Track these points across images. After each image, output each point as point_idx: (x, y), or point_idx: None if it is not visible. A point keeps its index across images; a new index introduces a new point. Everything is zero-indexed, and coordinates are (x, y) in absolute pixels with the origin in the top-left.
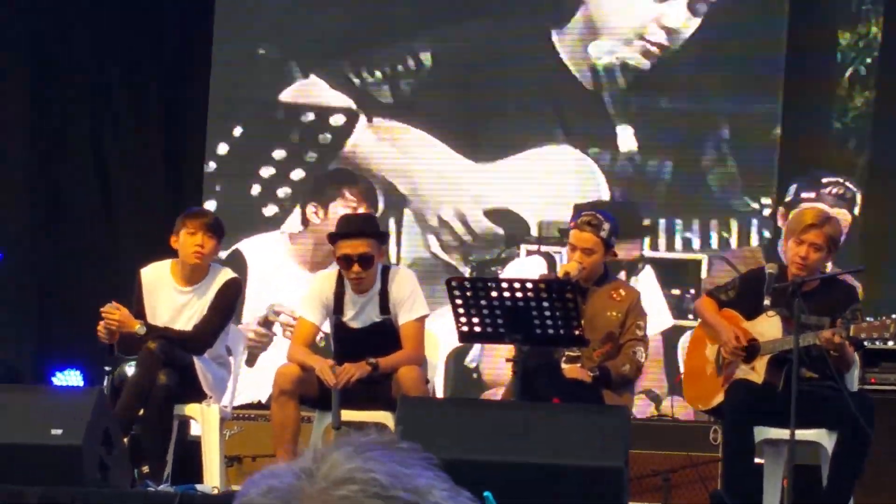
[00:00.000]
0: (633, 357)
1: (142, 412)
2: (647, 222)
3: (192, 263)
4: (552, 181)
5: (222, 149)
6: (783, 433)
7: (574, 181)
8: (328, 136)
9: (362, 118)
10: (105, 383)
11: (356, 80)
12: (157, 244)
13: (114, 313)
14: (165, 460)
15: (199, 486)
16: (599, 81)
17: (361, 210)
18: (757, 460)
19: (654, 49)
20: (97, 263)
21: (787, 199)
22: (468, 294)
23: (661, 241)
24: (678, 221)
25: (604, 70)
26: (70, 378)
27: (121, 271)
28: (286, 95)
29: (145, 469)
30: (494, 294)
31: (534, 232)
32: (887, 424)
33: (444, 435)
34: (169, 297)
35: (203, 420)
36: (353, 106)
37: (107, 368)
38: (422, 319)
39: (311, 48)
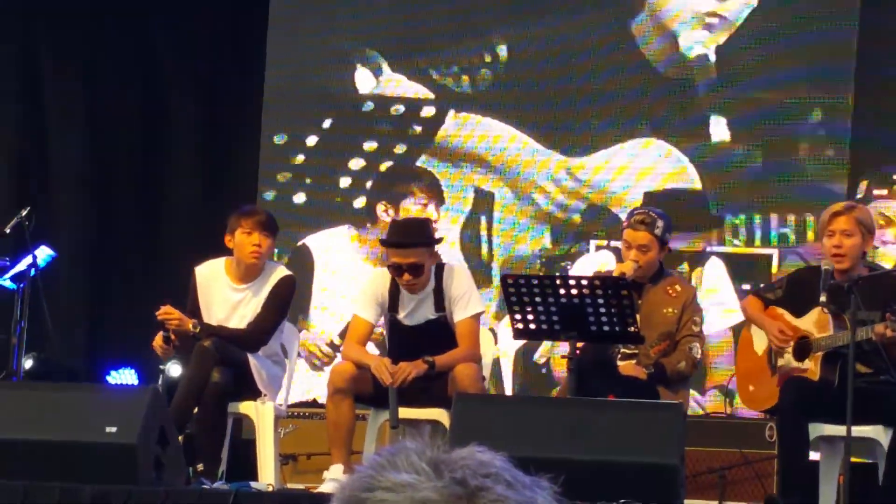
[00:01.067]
0: (689, 353)
1: (196, 410)
2: (727, 215)
3: (249, 263)
4: (641, 174)
5: (311, 140)
6: (839, 430)
7: (664, 174)
8: (418, 127)
9: (434, 112)
10: (160, 381)
11: (434, 74)
12: (210, 242)
13: (172, 313)
14: (220, 458)
15: (253, 484)
16: (686, 70)
17: (432, 207)
18: (813, 457)
19: (723, 37)
20: (150, 261)
21: (859, 196)
22: (523, 291)
23: (742, 234)
24: (757, 216)
25: (691, 59)
26: (125, 376)
27: (174, 269)
28: (368, 88)
29: (200, 467)
30: (549, 291)
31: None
32: None
33: (500, 432)
34: (224, 295)
35: (258, 418)
36: (433, 98)
37: (161, 367)
38: (477, 317)
39: (387, 42)
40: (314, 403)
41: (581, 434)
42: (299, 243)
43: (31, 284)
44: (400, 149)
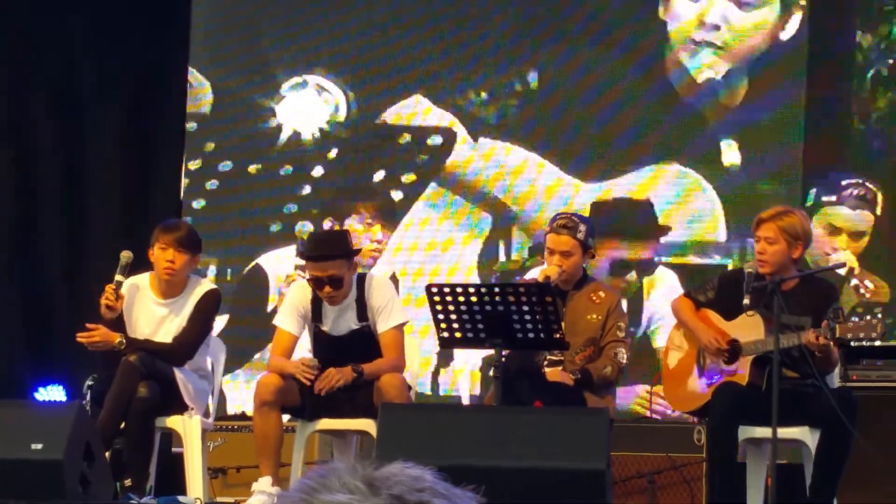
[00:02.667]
0: (614, 358)
1: (123, 425)
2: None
3: (163, 279)
4: (663, 200)
5: (317, 171)
6: (766, 432)
7: (685, 199)
8: (425, 157)
9: (462, 138)
10: (87, 397)
11: (461, 101)
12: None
13: (93, 335)
14: (148, 473)
15: (181, 498)
16: (700, 97)
17: (378, 227)
18: (739, 460)
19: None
20: (76, 277)
21: (809, 203)
22: (448, 299)
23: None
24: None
25: (702, 84)
26: (53, 393)
27: (100, 285)
28: (387, 116)
29: (127, 482)
30: (474, 299)
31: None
32: (869, 421)
33: (426, 441)
34: (148, 310)
35: (185, 432)
36: (457, 125)
37: (89, 383)
38: (400, 327)
39: (414, 68)
40: (242, 416)
41: (507, 441)
42: (252, 264)
43: None
44: (409, 177)
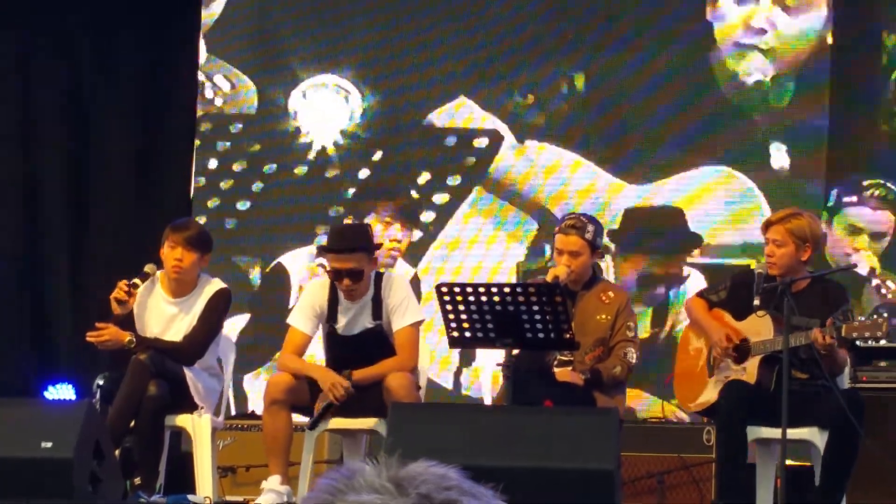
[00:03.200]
0: (623, 358)
1: (133, 424)
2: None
3: (172, 278)
4: (709, 203)
5: (363, 173)
6: (775, 432)
7: (732, 202)
8: (472, 158)
9: (508, 141)
10: (96, 396)
11: (508, 103)
12: (146, 255)
13: (102, 334)
14: (157, 471)
15: (191, 497)
16: (748, 100)
17: (397, 226)
18: (749, 461)
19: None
20: (87, 276)
21: (830, 204)
22: (458, 299)
23: None
24: None
25: (750, 88)
26: (63, 392)
27: (110, 283)
28: (432, 118)
29: (137, 481)
30: (484, 299)
31: (695, 253)
32: (878, 422)
33: (435, 441)
34: (158, 309)
35: (194, 431)
36: (503, 128)
37: (99, 382)
38: (415, 325)
39: (459, 70)
40: (252, 415)
41: (517, 441)
42: (274, 262)
43: None
44: (455, 179)
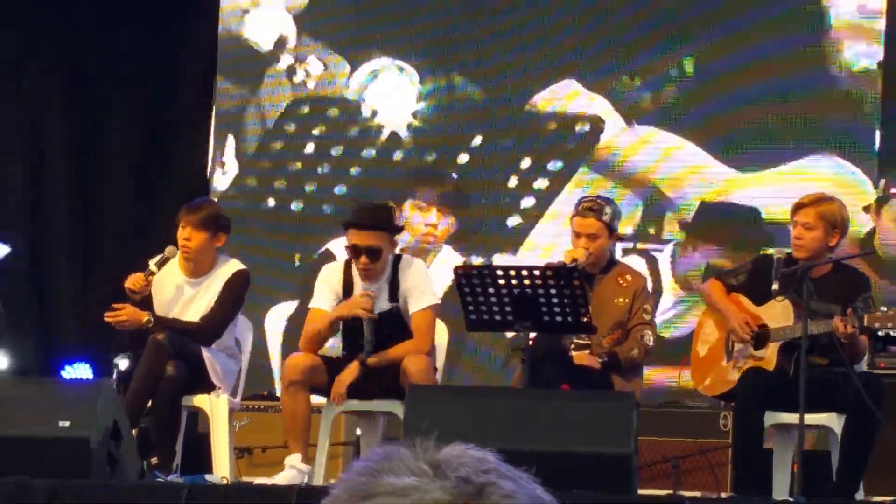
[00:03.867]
0: (641, 341)
1: (150, 404)
2: None
3: (182, 258)
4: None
5: (462, 159)
6: (793, 417)
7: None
8: (571, 144)
9: (613, 124)
10: (113, 375)
11: (616, 85)
12: (163, 235)
13: (120, 314)
14: (174, 451)
15: (208, 477)
16: (857, 85)
17: (434, 212)
18: (766, 446)
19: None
20: (103, 257)
21: (878, 193)
22: (475, 282)
23: None
24: None
25: (860, 73)
26: (80, 371)
27: (127, 264)
28: (535, 101)
29: (154, 460)
30: (502, 282)
31: None
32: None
33: (453, 423)
34: (177, 290)
35: (212, 411)
36: (611, 110)
37: (115, 361)
38: (432, 308)
39: (567, 52)
40: (269, 396)
41: (534, 424)
42: (322, 249)
43: None
44: (555, 165)
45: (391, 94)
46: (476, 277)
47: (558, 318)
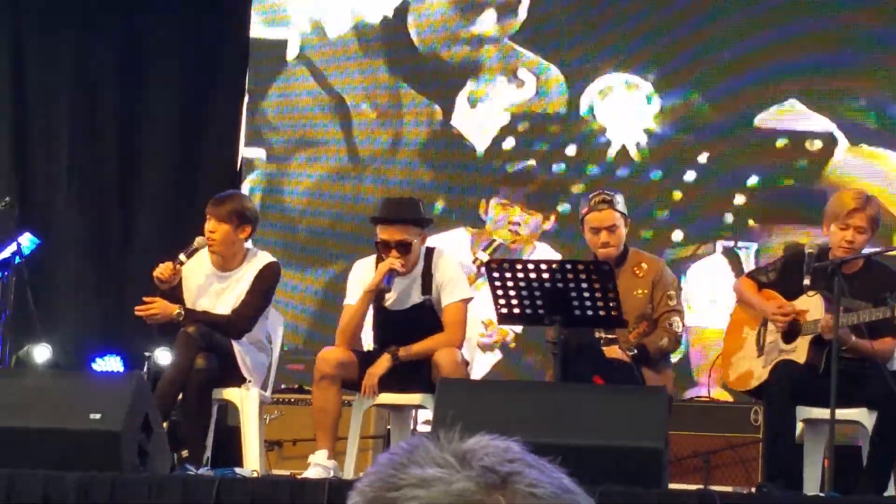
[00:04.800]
0: (669, 329)
1: (181, 397)
2: None
3: (209, 251)
4: None
5: (689, 176)
6: (824, 413)
7: None
8: (804, 161)
9: (842, 143)
10: (145, 368)
11: (838, 106)
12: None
13: (151, 308)
14: (205, 445)
15: (238, 470)
16: None
17: (516, 209)
18: (797, 441)
19: None
20: (136, 249)
21: None
22: (507, 276)
23: None
24: None
25: None
26: (111, 364)
27: (159, 256)
28: (760, 120)
29: (185, 454)
30: (533, 276)
31: None
32: None
33: (483, 417)
34: (208, 282)
35: (242, 404)
36: (834, 130)
37: (146, 354)
38: (465, 301)
39: (788, 71)
40: (300, 390)
41: (564, 418)
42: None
43: (15, 272)
44: (788, 180)
45: (620, 111)
46: (508, 271)
47: (589, 313)
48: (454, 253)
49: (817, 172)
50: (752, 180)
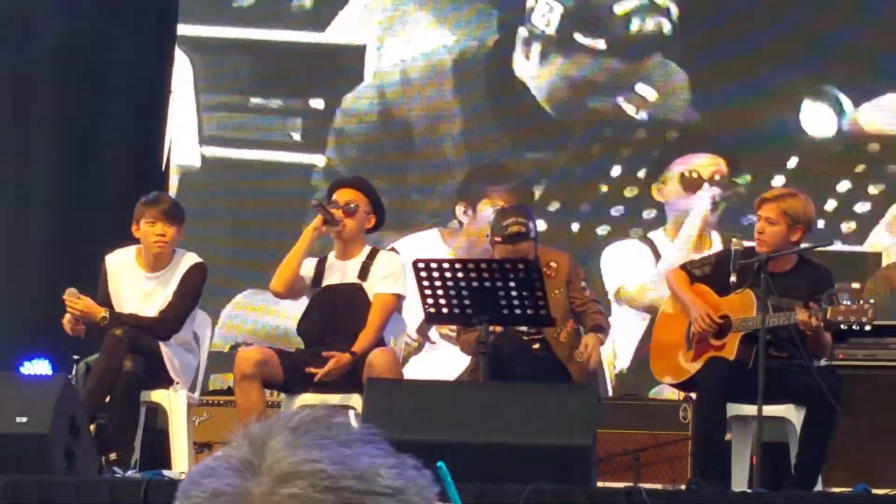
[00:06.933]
0: (601, 314)
1: (108, 399)
2: None
3: (154, 253)
4: None
5: (778, 181)
6: (752, 409)
7: None
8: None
9: None
10: (73, 372)
11: None
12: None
13: (76, 302)
14: (133, 447)
15: (166, 473)
16: None
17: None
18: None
19: None
20: (67, 250)
21: None
22: (434, 275)
23: None
24: None
25: None
26: (38, 367)
27: (92, 259)
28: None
29: (112, 456)
30: (461, 275)
31: None
32: (854, 400)
33: (412, 416)
34: (134, 284)
35: (170, 406)
36: None
37: (75, 357)
38: (396, 296)
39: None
40: (229, 391)
41: (493, 417)
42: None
43: None
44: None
45: None
46: (435, 270)
47: (517, 311)
48: (423, 254)
49: None
50: (844, 186)
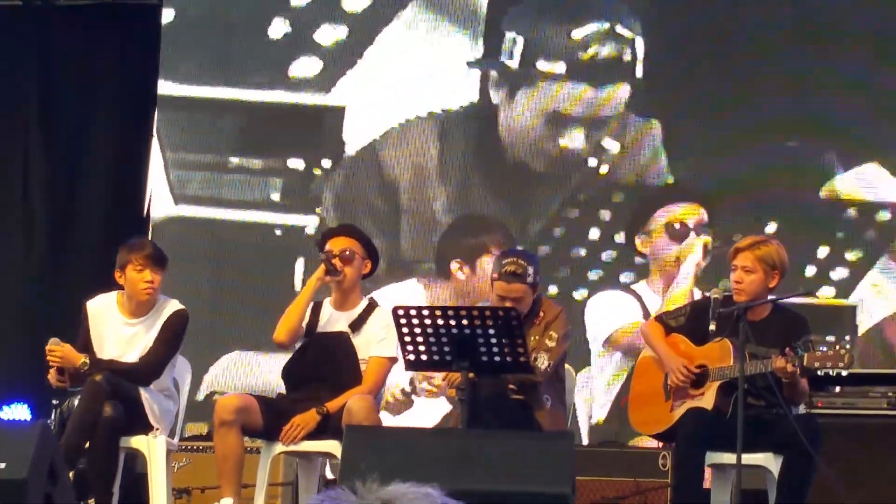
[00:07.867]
0: (534, 363)
1: (87, 445)
2: None
3: (142, 300)
4: None
5: (770, 228)
6: (730, 457)
7: None
8: (872, 233)
9: None
10: (52, 417)
11: None
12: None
13: (56, 350)
14: (112, 493)
15: None
16: None
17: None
18: (705, 486)
19: None
20: (47, 295)
21: None
22: (414, 322)
23: None
24: None
25: None
26: (17, 412)
27: (73, 303)
28: (826, 191)
29: (91, 502)
30: (441, 322)
31: None
32: (833, 448)
33: (390, 464)
34: (116, 330)
35: (149, 452)
36: None
37: (54, 402)
38: (390, 360)
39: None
40: (208, 437)
41: (472, 464)
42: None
43: None
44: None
45: None
46: (415, 317)
47: (497, 359)
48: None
49: (885, 246)
50: (823, 253)
